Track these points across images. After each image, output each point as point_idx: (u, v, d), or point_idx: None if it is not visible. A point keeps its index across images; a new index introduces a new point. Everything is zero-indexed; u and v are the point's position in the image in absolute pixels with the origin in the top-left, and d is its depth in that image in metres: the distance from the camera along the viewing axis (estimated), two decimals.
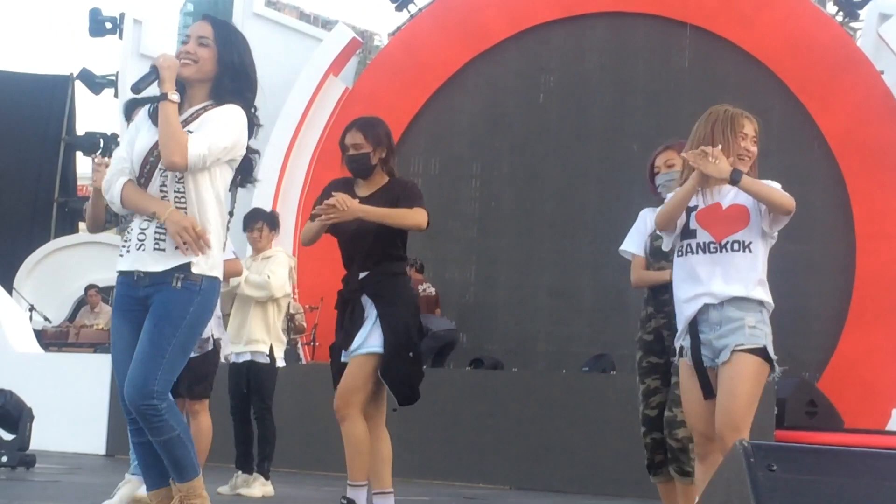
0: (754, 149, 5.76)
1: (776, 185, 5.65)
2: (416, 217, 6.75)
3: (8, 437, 11.40)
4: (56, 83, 22.97)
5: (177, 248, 5.17)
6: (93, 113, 46.46)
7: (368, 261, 6.76)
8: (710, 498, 2.97)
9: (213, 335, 9.19)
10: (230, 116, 5.25)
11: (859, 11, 16.82)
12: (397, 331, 6.67)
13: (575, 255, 17.12)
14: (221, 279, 5.41)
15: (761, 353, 5.46)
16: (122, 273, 5.36)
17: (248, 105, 5.41)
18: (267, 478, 9.93)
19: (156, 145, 5.24)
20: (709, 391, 5.54)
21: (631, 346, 7.13)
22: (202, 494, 5.28)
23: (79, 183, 24.04)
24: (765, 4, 16.59)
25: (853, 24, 16.95)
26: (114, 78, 21.09)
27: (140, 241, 5.26)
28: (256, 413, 10.10)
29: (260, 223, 10.19)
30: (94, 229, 8.25)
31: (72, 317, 19.64)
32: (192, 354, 8.90)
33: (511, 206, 17.87)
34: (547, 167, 17.66)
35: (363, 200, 6.79)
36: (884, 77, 15.92)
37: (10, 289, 18.67)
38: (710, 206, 5.62)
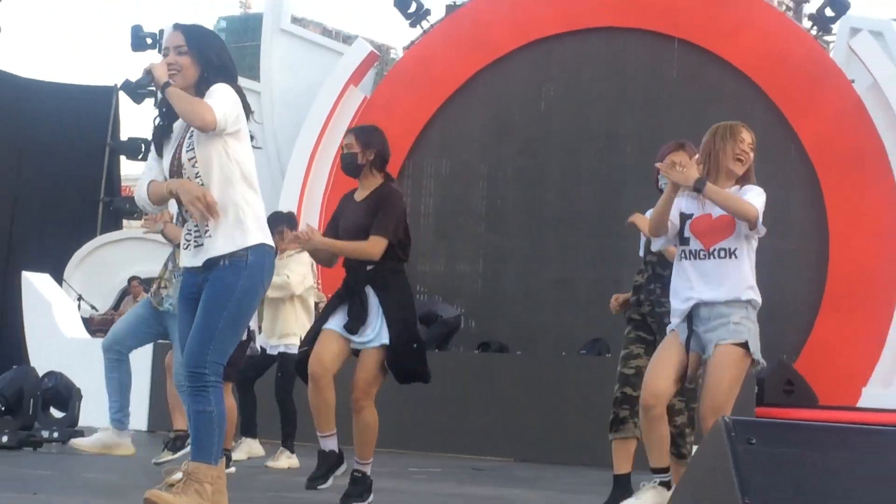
0: (751, 154, 5.75)
1: (755, 192, 5.62)
2: (368, 251, 6.73)
3: (59, 414, 11.42)
4: (101, 93, 22.99)
5: (208, 232, 5.18)
6: (135, 120, 46.62)
7: (369, 260, 6.78)
8: (695, 469, 2.97)
9: (248, 325, 9.21)
10: (223, 89, 5.21)
11: (832, 26, 16.80)
12: (402, 326, 6.69)
13: (574, 248, 17.11)
14: (269, 244, 5.29)
15: (744, 346, 5.49)
16: (184, 269, 5.41)
17: (239, 91, 5.35)
18: (292, 451, 9.94)
19: (174, 156, 5.30)
20: (686, 374, 5.61)
21: (623, 332, 7.14)
22: (203, 483, 5.07)
23: (122, 184, 24.11)
24: (746, 20, 16.56)
25: (826, 38, 16.94)
26: (154, 89, 21.07)
27: (187, 241, 5.28)
28: (278, 395, 10.12)
29: (281, 226, 10.16)
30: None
31: (116, 305, 19.66)
32: None
33: (516, 204, 17.86)
34: (549, 169, 17.65)
35: (358, 204, 6.90)
36: (854, 86, 15.91)
37: (60, 280, 18.71)
38: (703, 216, 5.68)
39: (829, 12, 16.63)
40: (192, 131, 5.24)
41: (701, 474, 2.85)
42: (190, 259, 5.28)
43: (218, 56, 5.39)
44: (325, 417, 6.81)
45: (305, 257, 9.86)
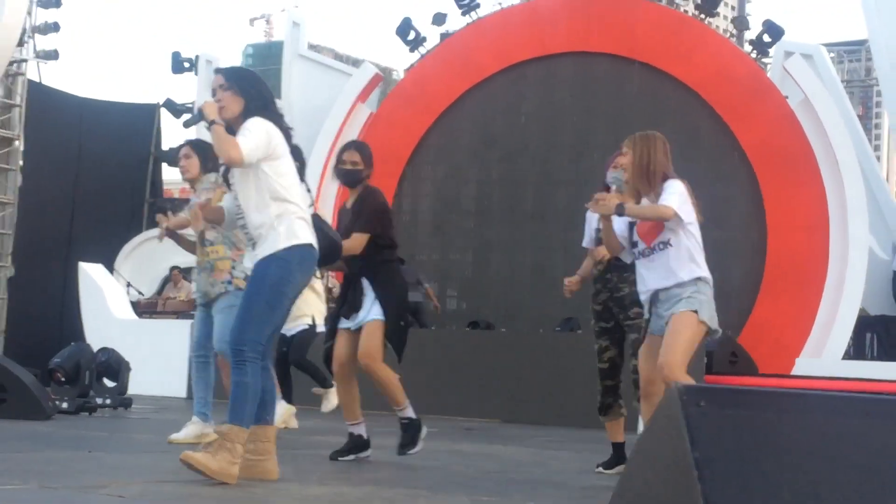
0: (622, 159, 5.82)
1: (669, 190, 5.57)
2: (349, 246, 6.66)
3: (111, 384, 11.41)
4: (146, 110, 22.98)
5: (255, 248, 5.43)
6: (175, 133, 46.58)
7: (365, 250, 6.76)
8: (652, 431, 2.96)
9: None
10: (253, 123, 5.27)
11: (769, 50, 16.79)
12: (393, 307, 6.72)
13: (550, 240, 17.11)
14: (307, 243, 5.34)
15: (696, 313, 5.47)
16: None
17: (273, 115, 5.42)
18: (332, 385, 9.86)
19: (227, 180, 5.54)
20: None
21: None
22: (233, 443, 5.08)
23: (164, 187, 24.10)
24: (696, 45, 16.56)
25: (764, 60, 16.92)
26: (191, 106, 21.08)
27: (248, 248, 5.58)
28: (294, 362, 10.19)
29: None
30: (193, 251, 8.26)
31: (159, 291, 19.65)
32: None
33: (499, 203, 17.86)
34: (527, 173, 17.65)
35: (349, 210, 6.87)
36: (788, 100, 15.91)
37: (111, 270, 18.69)
38: (642, 221, 5.66)
39: (766, 38, 16.63)
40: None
41: (657, 434, 2.84)
42: (247, 264, 5.63)
43: (255, 87, 5.49)
44: (350, 408, 6.85)
45: None
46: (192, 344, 7.93)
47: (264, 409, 5.42)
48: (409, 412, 6.82)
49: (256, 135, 5.22)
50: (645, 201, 5.67)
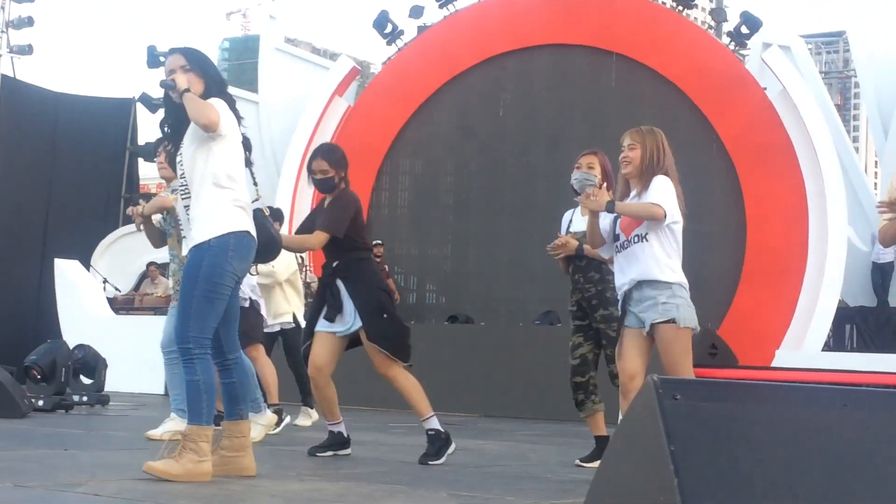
0: (630, 153, 5.67)
1: (656, 187, 5.56)
2: (309, 243, 6.78)
3: (87, 381, 11.38)
4: (122, 105, 22.89)
5: (191, 228, 5.30)
6: (151, 128, 46.31)
7: (336, 253, 6.74)
8: (628, 423, 2.96)
9: (250, 297, 9.16)
10: (217, 102, 5.25)
11: (747, 42, 16.84)
12: (368, 302, 6.64)
13: (528, 234, 17.11)
14: (243, 230, 5.24)
15: (673, 322, 5.46)
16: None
17: (229, 100, 5.38)
18: (311, 407, 9.91)
19: (177, 160, 5.41)
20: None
21: None
22: (197, 443, 5.04)
23: (140, 182, 24.01)
24: (673, 37, 16.59)
25: (742, 52, 16.98)
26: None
27: (183, 236, 5.40)
28: (291, 365, 10.08)
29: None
30: (158, 245, 8.27)
31: (136, 287, 19.61)
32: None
33: (478, 196, 17.86)
34: (505, 166, 17.66)
35: (326, 207, 6.83)
36: (767, 92, 15.96)
37: (88, 266, 18.62)
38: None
39: (744, 30, 16.68)
40: (184, 142, 5.35)
41: (633, 427, 2.85)
42: (185, 250, 5.39)
43: (213, 70, 5.49)
44: (328, 409, 6.85)
45: None
46: (163, 340, 7.88)
47: (236, 403, 5.37)
48: (434, 423, 6.71)
49: (223, 109, 5.23)
50: (634, 196, 5.66)
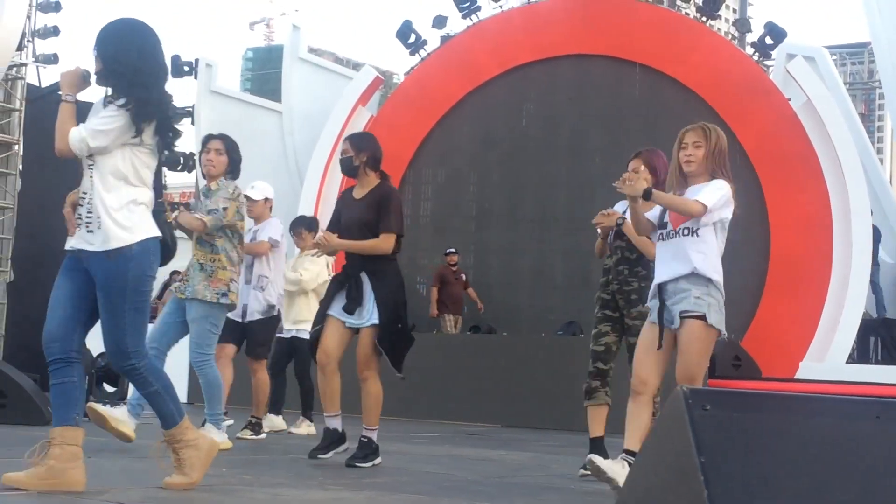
0: (695, 151, 5.57)
1: (711, 188, 5.50)
2: (382, 247, 6.73)
3: (110, 389, 11.40)
4: None
5: (100, 225, 4.81)
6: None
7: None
8: (657, 434, 2.93)
9: (277, 305, 9.13)
10: (112, 109, 4.78)
11: (771, 52, 16.77)
12: (388, 308, 6.65)
13: (550, 244, 17.10)
14: (155, 235, 4.91)
15: (704, 318, 5.40)
16: (68, 251, 4.96)
17: (134, 92, 4.81)
18: (311, 420, 9.89)
19: None
20: (659, 344, 5.49)
21: (593, 314, 7.11)
22: (183, 439, 4.95)
23: (165, 191, 24.05)
24: (697, 47, 16.55)
25: (766, 62, 16.90)
26: (191, 110, 21.05)
27: (78, 223, 4.90)
28: (298, 374, 10.05)
29: (300, 228, 10.09)
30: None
31: (160, 295, 19.61)
32: (257, 317, 8.89)
33: (500, 206, 17.83)
34: (528, 176, 17.63)
35: (358, 201, 6.86)
36: (791, 103, 15.89)
37: None
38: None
39: (768, 40, 16.62)
40: None
41: (662, 438, 2.82)
42: (80, 242, 4.88)
43: (114, 57, 4.88)
44: (330, 400, 6.85)
45: (322, 257, 9.77)
46: (150, 335, 7.85)
47: (72, 407, 4.86)
48: (375, 435, 6.77)
49: (107, 124, 4.78)
50: (695, 188, 5.57)
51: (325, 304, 6.90)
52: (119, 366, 4.90)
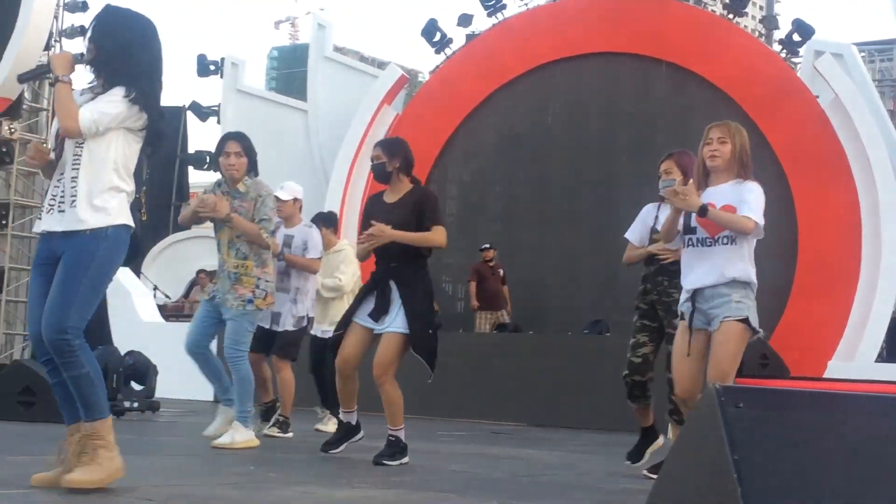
0: (721, 146, 5.58)
1: (753, 197, 5.48)
2: (437, 238, 6.77)
3: (138, 387, 11.44)
4: (172, 113, 23.03)
5: (74, 202, 4.69)
6: (201, 136, 46.72)
7: (395, 256, 6.73)
8: (690, 430, 2.92)
9: (308, 314, 9.17)
10: (112, 95, 4.74)
11: (799, 49, 16.69)
12: (419, 315, 6.64)
13: (577, 243, 17.07)
14: (130, 225, 4.81)
15: (745, 321, 5.39)
16: (40, 234, 4.83)
17: (133, 83, 4.79)
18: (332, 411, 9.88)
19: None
20: (687, 350, 5.49)
21: (622, 314, 7.14)
22: (105, 437, 4.63)
23: (190, 190, 24.17)
24: (724, 45, 16.49)
25: (794, 60, 16.83)
26: (217, 108, 21.14)
27: (50, 205, 4.76)
28: (330, 372, 10.02)
29: (319, 225, 10.03)
30: (187, 226, 8.34)
31: (186, 294, 19.72)
32: (289, 328, 8.95)
33: (526, 205, 17.82)
34: (554, 174, 17.61)
35: (391, 205, 6.86)
36: (819, 100, 15.81)
37: (138, 273, 18.76)
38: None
39: (796, 37, 16.55)
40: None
41: (694, 435, 2.81)
42: (52, 223, 4.75)
43: (115, 44, 4.85)
44: (347, 399, 6.97)
45: (352, 254, 9.75)
46: (187, 343, 7.89)
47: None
48: (402, 434, 6.77)
49: (110, 107, 4.74)
50: (724, 187, 5.56)
51: (351, 309, 6.93)
52: (52, 340, 4.59)
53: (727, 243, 5.49)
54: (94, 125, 4.70)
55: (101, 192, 4.71)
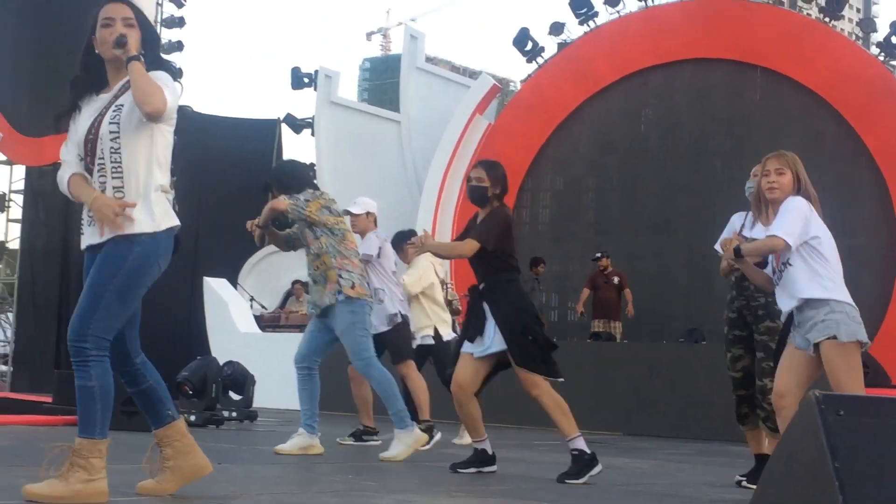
0: (779, 178, 5.55)
1: (780, 215, 5.44)
2: (461, 249, 6.78)
3: (236, 397, 11.60)
4: (267, 126, 23.35)
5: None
6: (295, 148, 47.15)
7: (484, 273, 6.76)
8: (790, 438, 2.90)
9: (399, 311, 9.23)
10: (168, 79, 4.48)
11: None
12: (512, 325, 6.61)
13: (670, 250, 16.96)
14: (175, 226, 4.54)
15: (835, 338, 5.33)
16: (84, 250, 4.56)
17: (169, 68, 4.62)
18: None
19: (93, 124, 4.47)
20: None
21: (716, 322, 7.06)
22: (87, 458, 4.32)
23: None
24: (820, 48, 16.28)
25: (893, 62, 16.54)
26: (311, 121, 21.37)
27: (91, 217, 4.46)
28: (444, 382, 9.99)
29: (400, 243, 10.00)
30: (286, 250, 8.43)
31: (282, 304, 19.93)
32: (383, 328, 9.02)
33: (619, 212, 17.75)
34: (646, 181, 17.53)
35: (475, 222, 6.87)
36: None
37: (235, 284, 19.03)
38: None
39: (894, 40, 16.27)
40: (120, 104, 4.48)
41: (794, 444, 2.79)
42: (94, 237, 4.49)
43: (153, 38, 4.67)
44: (472, 427, 6.89)
45: (422, 260, 9.80)
46: (296, 356, 7.98)
47: (161, 406, 4.66)
48: (579, 443, 6.64)
49: (175, 93, 4.46)
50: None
51: (458, 342, 6.99)
52: (71, 343, 4.35)
53: (786, 268, 5.46)
54: (171, 110, 4.45)
55: (146, 197, 4.45)
